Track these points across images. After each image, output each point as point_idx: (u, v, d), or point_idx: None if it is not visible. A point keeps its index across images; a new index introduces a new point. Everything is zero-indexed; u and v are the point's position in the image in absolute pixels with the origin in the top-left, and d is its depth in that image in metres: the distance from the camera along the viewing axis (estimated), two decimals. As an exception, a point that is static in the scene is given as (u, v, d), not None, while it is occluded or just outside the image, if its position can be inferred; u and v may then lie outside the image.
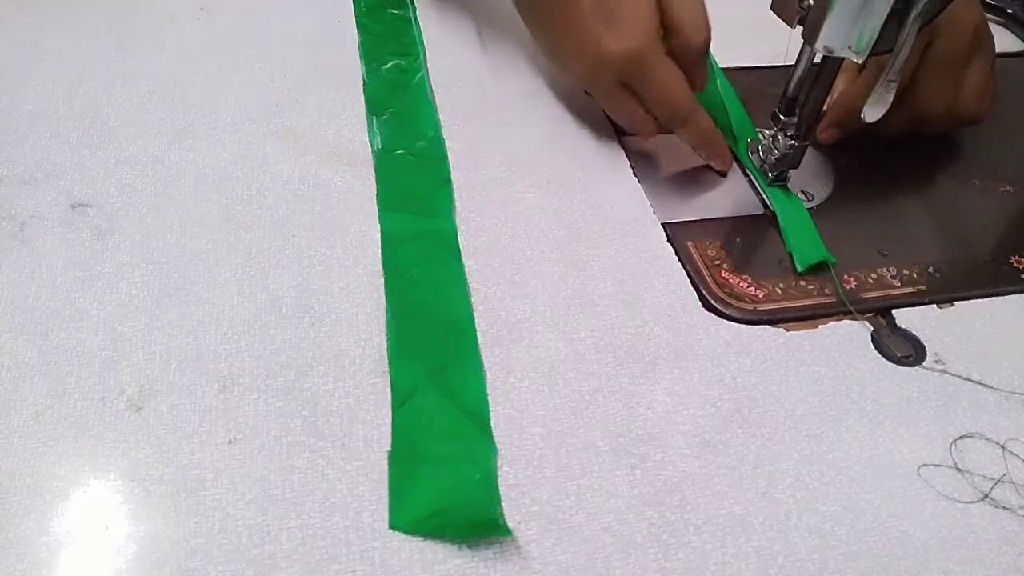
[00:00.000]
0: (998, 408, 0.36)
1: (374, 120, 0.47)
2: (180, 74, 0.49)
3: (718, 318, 0.38)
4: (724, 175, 0.46)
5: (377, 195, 0.42)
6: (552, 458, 0.33)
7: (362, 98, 0.48)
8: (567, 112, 0.49)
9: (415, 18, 0.54)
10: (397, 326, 0.36)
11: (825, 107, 0.44)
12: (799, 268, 0.40)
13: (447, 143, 0.46)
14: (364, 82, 0.49)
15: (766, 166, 0.45)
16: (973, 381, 0.37)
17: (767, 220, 0.44)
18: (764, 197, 0.44)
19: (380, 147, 0.45)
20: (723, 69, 0.52)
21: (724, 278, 0.40)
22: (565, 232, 0.42)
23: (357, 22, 0.54)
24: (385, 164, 0.44)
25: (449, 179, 0.44)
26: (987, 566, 0.31)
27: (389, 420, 0.33)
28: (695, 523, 0.31)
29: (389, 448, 0.32)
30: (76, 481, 0.31)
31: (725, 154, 0.46)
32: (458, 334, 0.36)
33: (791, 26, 0.39)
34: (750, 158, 0.46)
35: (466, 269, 0.39)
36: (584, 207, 0.43)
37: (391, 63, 0.51)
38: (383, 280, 0.38)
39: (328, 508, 0.31)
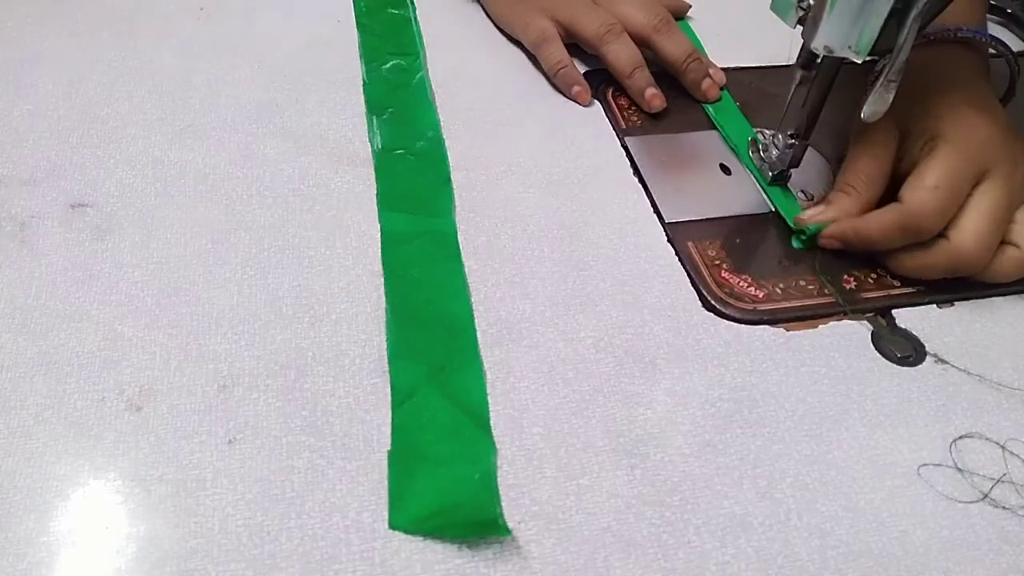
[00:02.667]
0: (998, 408, 0.36)
1: (374, 120, 0.47)
2: (180, 74, 0.49)
3: (718, 318, 0.38)
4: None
5: (377, 195, 0.42)
6: (552, 458, 0.33)
7: (362, 98, 0.48)
8: (567, 112, 0.49)
9: (415, 18, 0.54)
10: (397, 326, 0.36)
11: (838, 223, 0.40)
12: (796, 243, 0.42)
13: (447, 143, 0.46)
14: (364, 82, 0.49)
15: (766, 165, 0.45)
16: (973, 381, 0.37)
17: (767, 220, 0.44)
18: (765, 197, 0.44)
19: (380, 147, 0.45)
20: (723, 69, 0.52)
21: (724, 278, 0.40)
22: (565, 232, 0.42)
23: (357, 22, 0.54)
24: (385, 164, 0.44)
25: (449, 179, 0.44)
26: (987, 566, 0.31)
27: (389, 420, 0.33)
28: (695, 523, 0.31)
29: (389, 447, 0.32)
30: (76, 481, 0.31)
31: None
32: (458, 334, 0.36)
33: (791, 26, 0.39)
34: (750, 158, 0.46)
35: (466, 269, 0.39)
36: (584, 207, 0.43)
37: (391, 63, 0.51)
38: (383, 280, 0.38)
39: (328, 508, 0.31)
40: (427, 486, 0.31)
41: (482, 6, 0.55)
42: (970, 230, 0.38)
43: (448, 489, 0.31)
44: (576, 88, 0.49)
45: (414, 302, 0.37)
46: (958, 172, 0.38)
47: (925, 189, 0.38)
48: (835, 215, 0.40)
